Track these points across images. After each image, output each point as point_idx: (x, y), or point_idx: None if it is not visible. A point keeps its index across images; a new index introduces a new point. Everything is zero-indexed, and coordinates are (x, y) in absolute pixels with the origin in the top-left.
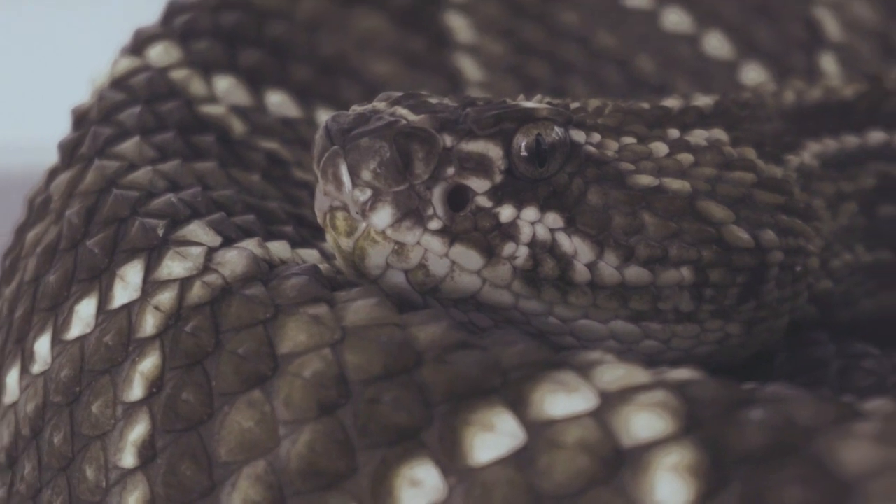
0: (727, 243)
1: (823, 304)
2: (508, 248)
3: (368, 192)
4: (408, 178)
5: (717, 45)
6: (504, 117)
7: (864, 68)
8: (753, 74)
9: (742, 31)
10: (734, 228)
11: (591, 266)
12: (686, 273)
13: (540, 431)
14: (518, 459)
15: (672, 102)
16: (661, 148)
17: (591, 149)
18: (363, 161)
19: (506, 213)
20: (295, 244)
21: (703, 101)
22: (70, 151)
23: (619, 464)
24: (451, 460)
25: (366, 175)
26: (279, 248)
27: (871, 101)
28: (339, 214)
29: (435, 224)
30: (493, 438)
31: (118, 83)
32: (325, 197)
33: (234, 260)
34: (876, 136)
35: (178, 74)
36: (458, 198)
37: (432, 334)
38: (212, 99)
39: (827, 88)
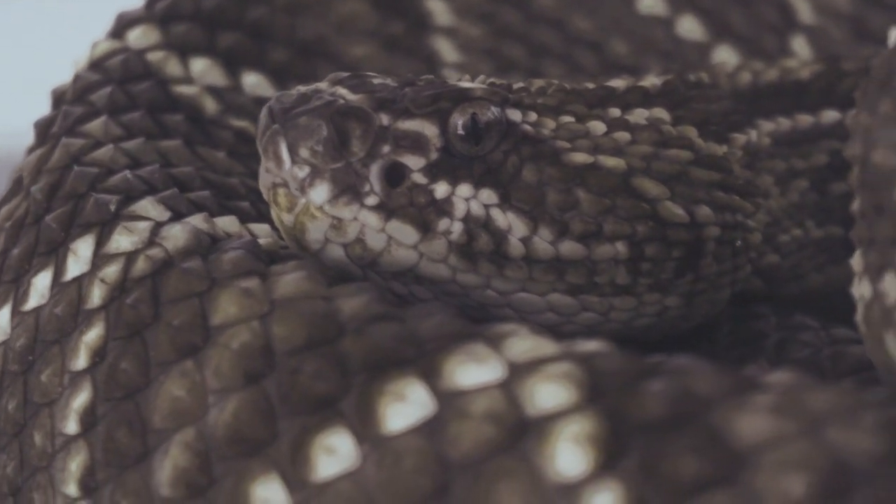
0: (662, 219)
1: (770, 278)
2: (443, 224)
3: (307, 170)
4: (345, 155)
5: (690, 27)
6: (440, 97)
7: (836, 52)
8: (726, 56)
9: (715, 14)
10: (669, 204)
11: (525, 241)
12: (621, 247)
13: (450, 401)
14: (428, 428)
15: (618, 83)
16: (598, 127)
17: (528, 127)
18: (301, 139)
19: (441, 189)
20: (248, 219)
21: (650, 81)
22: (44, 130)
23: (523, 433)
24: (365, 429)
25: (304, 153)
26: (227, 223)
27: (827, 81)
28: (281, 191)
29: (371, 200)
30: (405, 408)
31: (96, 65)
32: (267, 174)
33: (177, 234)
34: (830, 116)
35: (155, 56)
36: (395, 175)
37: (355, 306)
38: (187, 80)
39: (784, 69)
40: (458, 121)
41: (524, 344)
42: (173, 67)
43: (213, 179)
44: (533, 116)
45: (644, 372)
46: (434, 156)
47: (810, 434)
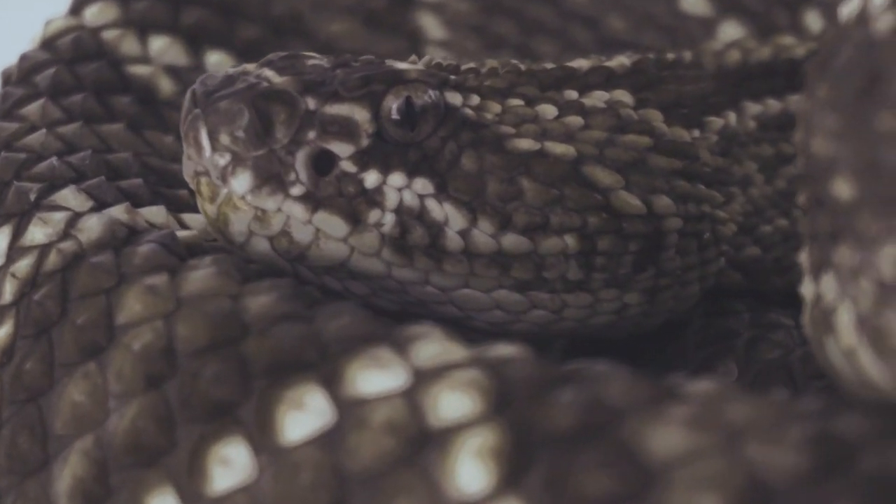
0: (616, 210)
1: (751, 272)
2: (374, 215)
3: (227, 157)
4: (267, 142)
5: (694, 1)
6: (372, 79)
7: None
8: (733, 32)
9: None
10: (623, 194)
11: (464, 233)
12: (570, 241)
13: (350, 410)
14: (327, 439)
15: (582, 63)
16: (548, 110)
17: (469, 112)
18: (222, 125)
19: (371, 178)
20: (187, 208)
21: (619, 61)
22: None
23: (424, 445)
24: (263, 438)
25: (224, 139)
26: (154, 213)
27: None
28: (203, 180)
29: (297, 190)
30: (303, 417)
31: (47, 44)
32: (188, 161)
33: (92, 227)
34: None
35: (110, 34)
36: (323, 163)
37: (262, 305)
38: (143, 59)
39: (778, 47)
40: (392, 105)
41: (432, 348)
42: (129, 46)
43: (156, 165)
44: (475, 100)
45: (555, 379)
46: (365, 142)
47: (727, 449)
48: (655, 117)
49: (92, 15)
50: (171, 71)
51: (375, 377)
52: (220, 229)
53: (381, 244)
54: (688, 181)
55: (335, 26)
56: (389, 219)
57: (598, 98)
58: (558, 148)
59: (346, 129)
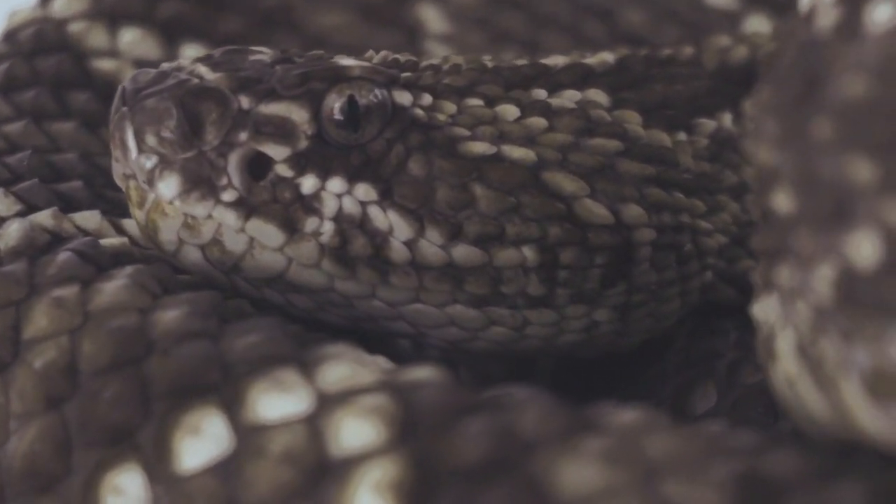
0: (579, 219)
1: (747, 287)
2: (311, 223)
3: (154, 159)
4: (196, 143)
5: None
6: (312, 76)
7: None
8: (758, 26)
9: None
10: (588, 202)
11: (410, 244)
12: (529, 253)
13: (249, 437)
14: (223, 468)
15: (558, 60)
16: (509, 111)
17: (419, 112)
18: (148, 124)
19: (308, 183)
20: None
21: (600, 57)
22: None
23: (323, 477)
24: (159, 466)
25: (150, 140)
26: (87, 218)
27: None
28: (132, 184)
29: (229, 195)
30: (200, 443)
31: (9, 36)
32: (116, 164)
33: (11, 233)
34: None
35: (76, 27)
36: (258, 166)
37: (170, 321)
38: (110, 52)
39: None
40: (334, 104)
41: (339, 371)
42: (96, 38)
43: (106, 165)
44: (427, 99)
45: (467, 407)
46: (303, 144)
47: (644, 486)
48: (631, 119)
49: (60, 6)
50: (141, 65)
51: (277, 401)
52: (150, 237)
53: (320, 254)
54: (663, 189)
55: (328, 19)
56: (328, 227)
57: (568, 98)
58: (516, 152)
59: (282, 130)
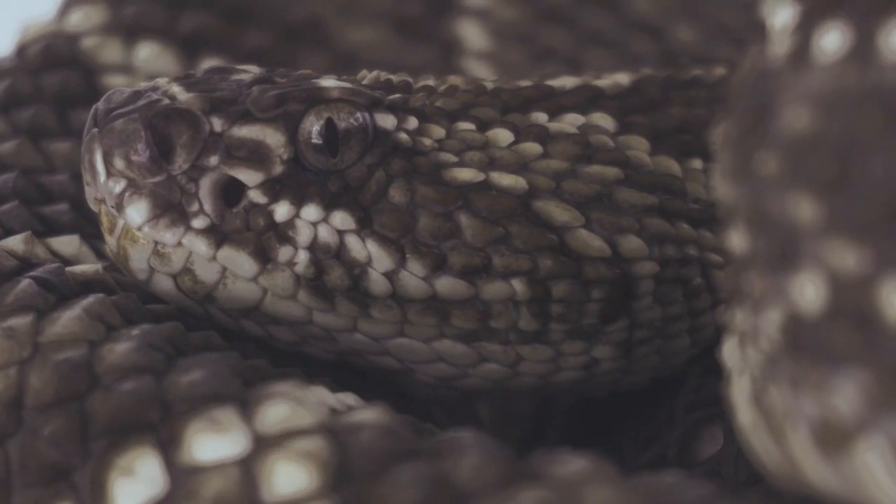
0: (572, 251)
1: None
2: (285, 253)
3: (123, 183)
4: (166, 167)
5: None
6: (289, 97)
7: None
8: None
9: None
10: (582, 234)
11: (390, 275)
12: (518, 286)
13: (183, 479)
14: None
15: (567, 81)
16: (502, 136)
17: (403, 136)
18: (116, 147)
19: (281, 210)
20: None
21: (614, 79)
22: None
23: None
24: None
25: (119, 163)
26: (65, 243)
27: None
28: (102, 208)
29: (200, 222)
30: (134, 485)
31: (21, 50)
32: (88, 188)
33: None
34: None
35: (90, 41)
36: (232, 192)
37: (118, 355)
38: (124, 68)
39: None
40: (312, 127)
41: (279, 412)
42: (110, 54)
43: None
44: (413, 123)
45: (403, 453)
46: (277, 169)
47: None
48: (637, 145)
49: (76, 19)
50: None
51: (213, 442)
52: (122, 264)
53: (296, 285)
54: (665, 219)
55: (361, 34)
56: (303, 257)
57: (569, 122)
58: (506, 179)
59: (255, 155)
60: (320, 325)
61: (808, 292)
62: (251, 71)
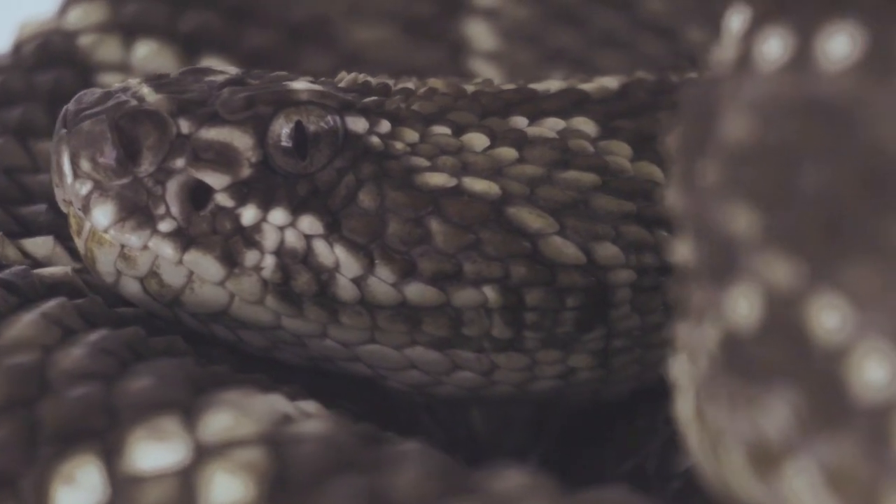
0: (546, 258)
1: None
2: (252, 257)
3: (89, 185)
4: (132, 169)
5: None
6: (258, 100)
7: None
8: None
9: None
10: (556, 241)
11: (358, 281)
12: (490, 293)
13: (124, 488)
14: None
15: (551, 84)
16: (477, 141)
17: (374, 140)
18: (83, 148)
19: (248, 214)
20: None
21: (601, 82)
22: None
23: None
24: None
25: (85, 165)
26: (38, 245)
27: None
28: (71, 210)
29: (166, 225)
30: (75, 494)
31: (16, 48)
32: (57, 189)
33: None
34: None
35: (87, 39)
36: (200, 195)
37: (71, 360)
38: (121, 66)
39: None
40: (282, 130)
41: (221, 420)
42: (107, 52)
43: None
44: (385, 127)
45: (342, 465)
46: (245, 172)
47: None
48: (619, 150)
49: (75, 17)
50: None
51: (154, 451)
52: (90, 267)
53: (263, 290)
54: (644, 227)
55: (367, 34)
56: (269, 261)
57: (549, 126)
58: (478, 185)
59: (223, 157)
60: (289, 330)
61: (743, 307)
62: (228, 72)
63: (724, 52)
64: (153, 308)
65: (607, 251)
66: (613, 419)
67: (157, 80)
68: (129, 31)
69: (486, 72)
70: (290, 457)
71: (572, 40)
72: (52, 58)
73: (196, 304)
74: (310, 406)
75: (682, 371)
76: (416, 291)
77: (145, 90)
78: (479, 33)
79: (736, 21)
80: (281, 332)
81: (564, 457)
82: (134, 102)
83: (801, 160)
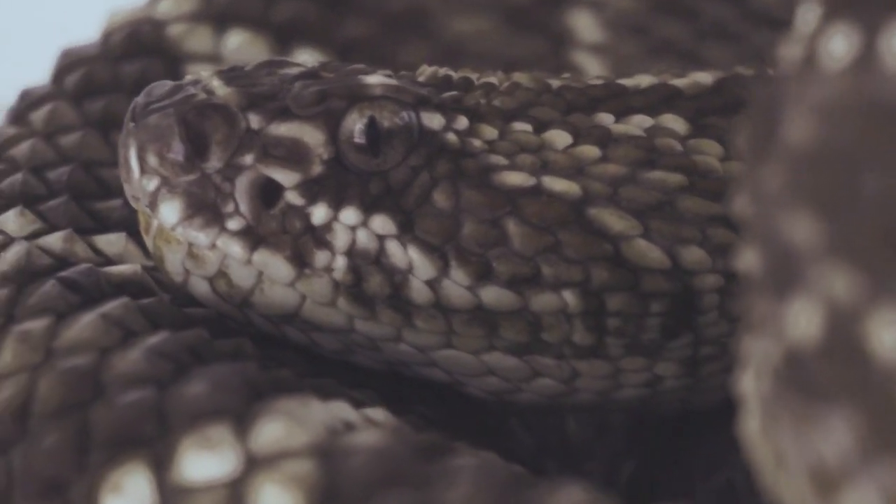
0: (629, 262)
1: None
2: (322, 257)
3: (156, 181)
4: (200, 165)
5: None
6: (330, 94)
7: None
8: None
9: None
10: (640, 243)
11: (432, 283)
12: (570, 298)
13: (173, 499)
14: None
15: (642, 79)
16: (559, 138)
17: (451, 137)
18: (149, 143)
19: (319, 213)
20: None
21: (695, 78)
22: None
23: None
24: None
25: (152, 160)
26: (111, 241)
27: None
28: (139, 207)
29: (235, 223)
30: (123, 503)
31: (105, 37)
32: (126, 185)
33: (8, 256)
34: None
35: (177, 29)
36: (270, 193)
37: (127, 364)
38: (211, 57)
39: None
40: (354, 125)
41: (273, 430)
42: (198, 42)
43: None
44: (463, 123)
45: (392, 480)
46: (317, 170)
47: None
48: (709, 149)
49: (166, 6)
50: None
51: (204, 461)
52: (159, 265)
53: (334, 292)
54: (733, 230)
55: (467, 25)
56: (340, 262)
57: (636, 124)
58: (559, 184)
59: (293, 154)
60: (363, 333)
61: (803, 321)
62: (303, 65)
63: (792, 50)
64: (223, 309)
65: (693, 255)
66: (702, 430)
67: (229, 73)
68: (220, 20)
69: (590, 64)
70: (341, 469)
71: (680, 32)
72: (140, 48)
73: (266, 306)
74: (377, 414)
75: (748, 386)
76: (493, 295)
77: (215, 83)
78: (584, 24)
79: (804, 17)
80: (354, 335)
81: (655, 468)
82: (203, 96)
83: (863, 166)
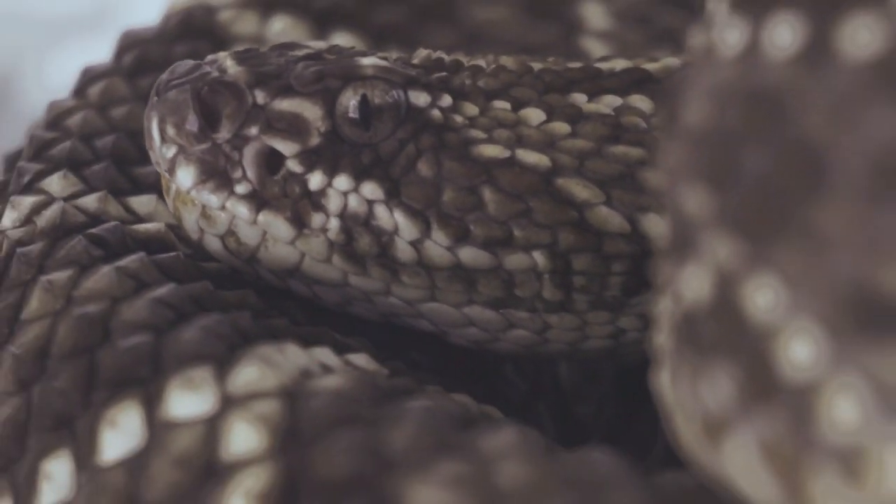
0: (592, 227)
1: None
2: (318, 219)
3: (174, 150)
4: (211, 135)
5: None
6: (328, 74)
7: None
8: None
9: None
10: (602, 211)
11: (415, 244)
12: (539, 258)
13: (159, 434)
14: (133, 463)
15: (617, 63)
16: (534, 115)
17: (435, 113)
18: (168, 115)
19: (315, 180)
20: None
21: (666, 62)
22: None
23: (209, 480)
24: (87, 456)
25: (170, 131)
26: (143, 203)
27: None
28: (161, 171)
29: (242, 188)
30: (118, 437)
31: (164, 21)
32: (151, 153)
33: (46, 214)
34: None
35: (227, 13)
36: (274, 161)
37: (132, 311)
38: (256, 39)
39: None
40: (349, 102)
41: (248, 373)
42: (245, 25)
43: None
44: (447, 101)
45: (346, 420)
46: (314, 141)
47: None
48: None
49: None
50: None
51: (187, 400)
52: (179, 224)
53: (329, 250)
54: None
55: (490, 12)
56: (334, 224)
57: (606, 103)
58: (531, 157)
59: (294, 127)
60: (357, 287)
61: (695, 284)
62: (311, 47)
63: (698, 38)
64: (235, 264)
65: (651, 221)
66: None
67: (242, 54)
68: (266, 6)
69: (597, 50)
70: (303, 410)
71: (681, 21)
72: (192, 30)
73: (271, 261)
74: (359, 359)
75: (659, 342)
76: (470, 254)
77: (228, 63)
78: (594, 13)
79: (712, 10)
80: (349, 288)
81: (632, 409)
82: (216, 74)
83: (745, 145)
